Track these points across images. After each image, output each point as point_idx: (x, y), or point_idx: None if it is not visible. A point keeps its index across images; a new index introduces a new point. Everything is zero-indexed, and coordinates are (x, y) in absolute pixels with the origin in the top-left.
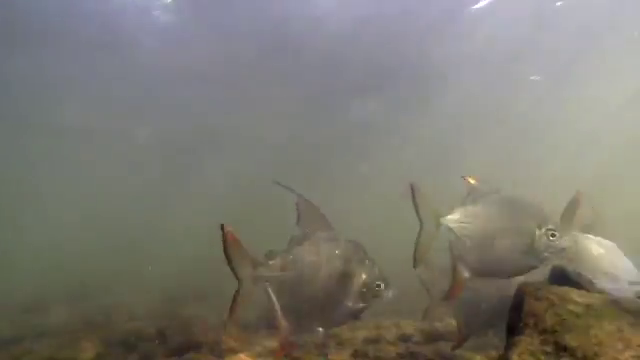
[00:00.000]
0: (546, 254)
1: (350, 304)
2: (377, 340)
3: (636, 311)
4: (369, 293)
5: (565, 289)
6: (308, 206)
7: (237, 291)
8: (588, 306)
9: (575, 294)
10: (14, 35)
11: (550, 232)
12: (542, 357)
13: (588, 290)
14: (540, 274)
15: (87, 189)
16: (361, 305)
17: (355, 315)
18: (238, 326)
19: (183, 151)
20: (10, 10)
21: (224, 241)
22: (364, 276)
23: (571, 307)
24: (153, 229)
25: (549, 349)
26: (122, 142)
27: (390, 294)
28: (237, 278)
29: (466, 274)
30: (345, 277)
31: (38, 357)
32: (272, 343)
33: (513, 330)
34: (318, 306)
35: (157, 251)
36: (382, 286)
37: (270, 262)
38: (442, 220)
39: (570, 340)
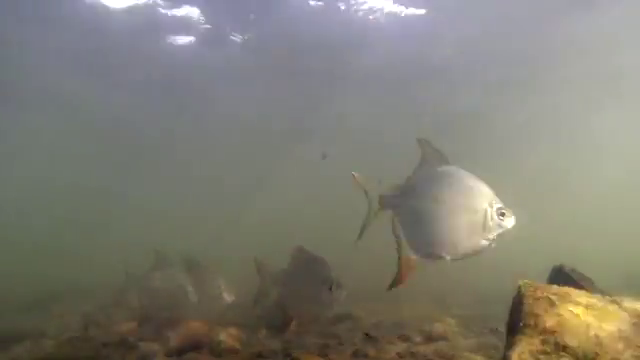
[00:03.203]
0: (495, 234)
1: None
2: (377, 340)
3: (636, 311)
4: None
5: (565, 289)
6: None
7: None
8: (588, 306)
9: (575, 294)
10: None
11: (500, 211)
12: (542, 357)
13: (588, 290)
14: (540, 274)
15: None
16: None
17: None
18: None
19: None
20: None
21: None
22: None
23: (571, 307)
24: None
25: (549, 349)
26: None
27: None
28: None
29: (413, 257)
30: None
31: (38, 357)
32: (273, 342)
33: (513, 330)
34: None
35: None
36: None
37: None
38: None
39: (570, 340)
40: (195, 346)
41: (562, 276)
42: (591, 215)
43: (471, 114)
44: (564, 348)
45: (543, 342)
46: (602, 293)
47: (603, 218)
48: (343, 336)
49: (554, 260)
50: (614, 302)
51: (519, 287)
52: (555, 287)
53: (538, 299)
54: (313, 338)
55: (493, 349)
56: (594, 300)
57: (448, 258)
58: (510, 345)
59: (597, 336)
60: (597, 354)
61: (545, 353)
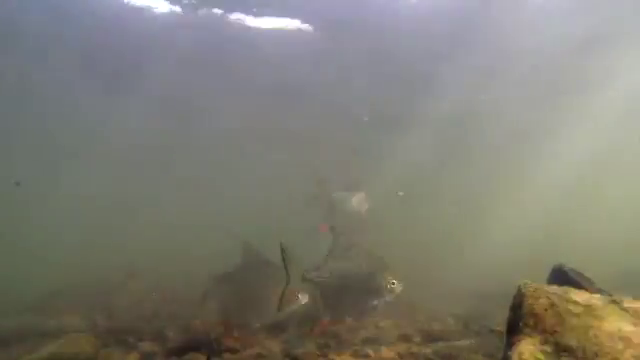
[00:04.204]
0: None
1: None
2: (377, 340)
3: (636, 311)
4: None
5: (565, 289)
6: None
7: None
8: (588, 306)
9: (575, 294)
10: None
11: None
12: (542, 357)
13: (588, 290)
14: (540, 274)
15: None
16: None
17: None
18: None
19: None
20: None
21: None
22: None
23: (571, 307)
24: None
25: (549, 349)
26: None
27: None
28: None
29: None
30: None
31: (38, 357)
32: (273, 342)
33: (513, 330)
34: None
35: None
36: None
37: None
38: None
39: (570, 340)
40: (195, 346)
41: (562, 276)
42: (591, 214)
43: None
44: (564, 348)
45: (543, 342)
46: (602, 293)
47: (603, 217)
48: (343, 336)
49: (554, 259)
50: (614, 302)
51: (519, 287)
52: (555, 287)
53: (538, 299)
54: (313, 338)
55: (493, 349)
56: (594, 300)
57: None
58: (510, 345)
59: (597, 336)
60: (597, 354)
61: (545, 353)
